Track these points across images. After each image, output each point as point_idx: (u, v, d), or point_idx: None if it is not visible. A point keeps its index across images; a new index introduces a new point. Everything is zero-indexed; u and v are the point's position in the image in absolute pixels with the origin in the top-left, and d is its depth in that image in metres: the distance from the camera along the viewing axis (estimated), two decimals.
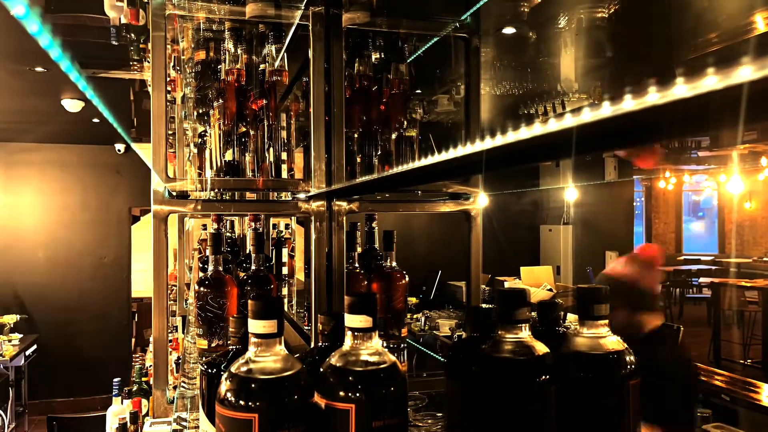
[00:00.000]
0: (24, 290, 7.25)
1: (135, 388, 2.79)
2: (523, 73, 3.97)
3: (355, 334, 0.82)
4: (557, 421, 0.80)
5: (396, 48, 1.68)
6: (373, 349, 0.82)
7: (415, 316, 5.60)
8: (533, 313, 0.91)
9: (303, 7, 1.55)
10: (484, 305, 1.13)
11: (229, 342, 1.05)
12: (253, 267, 1.64)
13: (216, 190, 1.64)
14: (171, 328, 3.02)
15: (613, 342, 0.84)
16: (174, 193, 1.58)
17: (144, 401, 2.55)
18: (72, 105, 5.28)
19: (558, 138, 0.46)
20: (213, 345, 1.52)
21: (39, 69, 4.29)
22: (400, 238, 1.53)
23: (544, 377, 0.78)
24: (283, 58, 1.70)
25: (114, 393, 2.66)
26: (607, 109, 0.41)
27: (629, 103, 0.39)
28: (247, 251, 2.17)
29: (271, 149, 1.73)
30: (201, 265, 2.43)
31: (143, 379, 2.79)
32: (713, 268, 11.42)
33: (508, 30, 3.29)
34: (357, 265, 1.59)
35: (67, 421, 4.31)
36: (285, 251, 2.66)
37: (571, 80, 3.77)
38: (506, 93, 4.17)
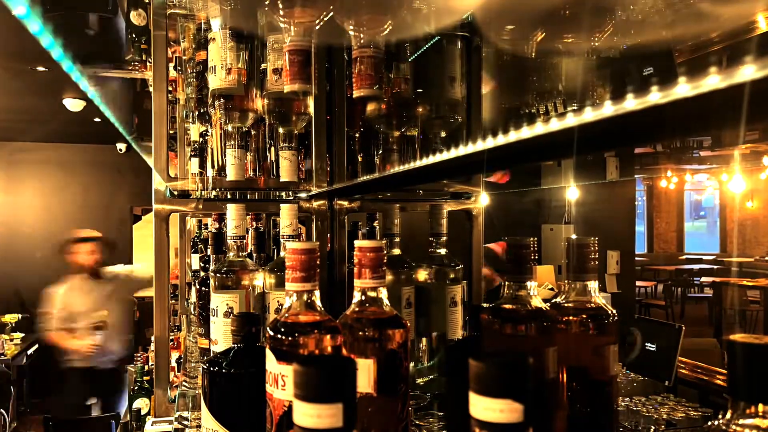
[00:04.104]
0: (25, 289, 7.25)
1: (136, 387, 2.80)
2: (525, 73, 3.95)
3: None
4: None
5: (397, 46, 1.67)
6: None
7: None
8: None
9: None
10: (484, 305, 1.13)
11: (230, 341, 1.05)
12: None
13: (217, 190, 1.64)
14: (173, 327, 3.02)
15: None
16: (175, 193, 1.58)
17: (145, 400, 2.55)
18: (73, 104, 5.29)
19: (559, 137, 0.46)
20: None
21: (40, 68, 4.29)
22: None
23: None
24: None
25: None
26: (608, 109, 0.40)
27: (631, 103, 0.39)
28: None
29: (272, 148, 1.73)
30: (203, 265, 2.43)
31: (145, 378, 2.79)
32: (715, 267, 11.41)
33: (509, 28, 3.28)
34: None
35: (64, 422, 4.30)
36: None
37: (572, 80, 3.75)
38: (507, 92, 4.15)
